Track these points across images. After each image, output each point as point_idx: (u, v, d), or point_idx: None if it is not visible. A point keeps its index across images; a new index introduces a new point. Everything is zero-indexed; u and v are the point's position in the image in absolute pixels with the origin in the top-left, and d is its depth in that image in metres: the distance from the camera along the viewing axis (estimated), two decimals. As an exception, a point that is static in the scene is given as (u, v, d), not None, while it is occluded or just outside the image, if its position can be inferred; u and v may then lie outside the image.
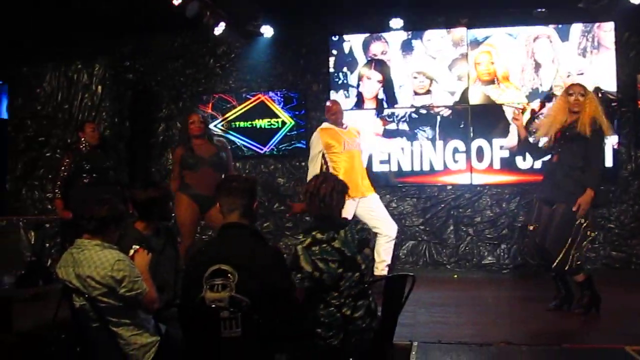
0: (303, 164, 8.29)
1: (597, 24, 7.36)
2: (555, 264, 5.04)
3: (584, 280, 5.11)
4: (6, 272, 4.40)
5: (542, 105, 7.42)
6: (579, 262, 5.05)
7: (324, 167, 6.29)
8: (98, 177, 6.43)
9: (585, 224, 5.03)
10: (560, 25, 7.44)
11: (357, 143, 6.35)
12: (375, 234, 6.10)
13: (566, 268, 5.04)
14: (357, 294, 3.31)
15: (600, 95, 6.67)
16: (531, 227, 5.28)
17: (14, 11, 7.06)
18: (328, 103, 6.65)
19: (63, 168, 6.39)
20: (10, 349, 3.75)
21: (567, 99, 5.22)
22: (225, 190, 3.18)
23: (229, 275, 2.94)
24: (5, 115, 8.69)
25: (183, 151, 6.04)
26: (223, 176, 5.65)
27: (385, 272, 6.00)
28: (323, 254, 3.27)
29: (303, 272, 3.25)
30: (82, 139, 6.54)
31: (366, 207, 6.20)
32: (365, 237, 3.46)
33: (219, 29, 7.46)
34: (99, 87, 7.81)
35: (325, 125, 6.45)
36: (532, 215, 5.38)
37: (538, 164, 6.84)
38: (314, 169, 6.21)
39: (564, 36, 7.43)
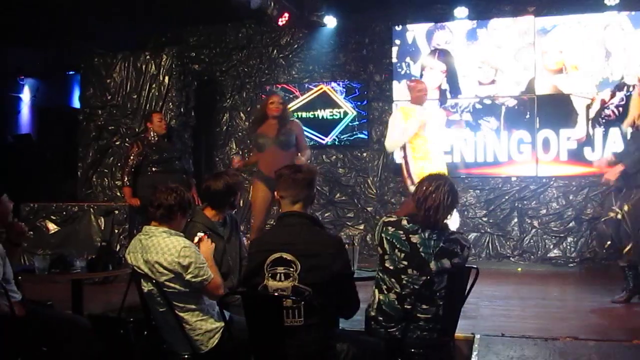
0: (365, 154, 8.29)
1: (673, 10, 7.08)
2: (625, 251, 4.93)
3: None
4: (78, 256, 4.54)
5: (613, 95, 7.20)
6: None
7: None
8: (165, 165, 6.60)
9: None
10: (633, 12, 7.17)
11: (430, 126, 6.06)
12: None
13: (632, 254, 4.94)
14: (423, 297, 3.22)
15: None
16: (626, 207, 5.06)
17: (85, 3, 7.27)
18: (411, 82, 6.40)
19: (131, 157, 6.58)
20: (82, 330, 3.89)
21: None
22: (290, 181, 3.15)
23: (292, 264, 2.98)
24: (77, 105, 8.97)
25: (255, 132, 6.08)
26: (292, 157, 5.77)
27: None
28: (394, 238, 3.26)
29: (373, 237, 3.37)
30: (150, 129, 6.71)
31: None
32: (452, 249, 3.24)
33: (283, 20, 7.53)
34: (166, 78, 7.96)
35: (408, 105, 6.20)
36: (608, 204, 5.27)
37: (607, 155, 6.63)
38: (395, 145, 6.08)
39: (637, 23, 7.17)
